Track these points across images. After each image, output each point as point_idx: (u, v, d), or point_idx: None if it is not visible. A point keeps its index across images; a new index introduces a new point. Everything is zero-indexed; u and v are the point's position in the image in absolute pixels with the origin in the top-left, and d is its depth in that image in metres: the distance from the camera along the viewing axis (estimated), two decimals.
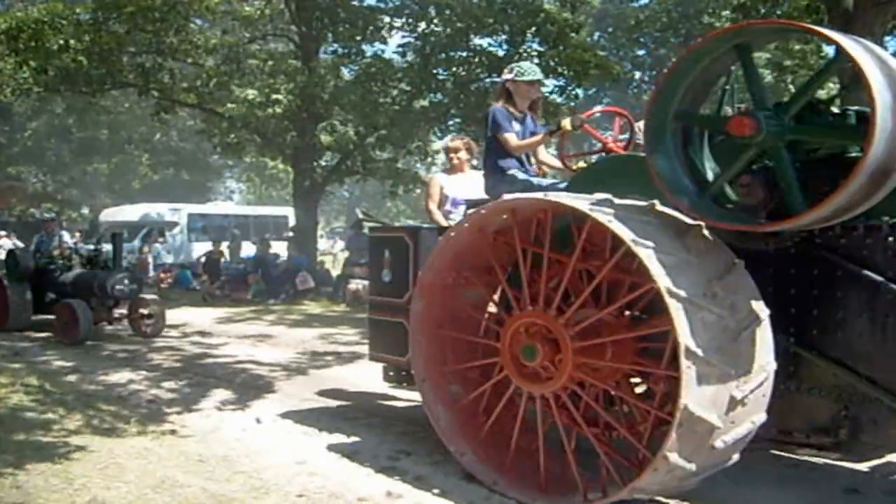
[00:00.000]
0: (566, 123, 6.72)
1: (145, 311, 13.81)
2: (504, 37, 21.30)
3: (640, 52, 41.38)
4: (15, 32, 17.20)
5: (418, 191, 49.26)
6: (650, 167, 5.16)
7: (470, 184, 8.13)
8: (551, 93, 21.90)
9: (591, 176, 6.32)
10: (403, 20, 22.55)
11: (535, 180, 7.06)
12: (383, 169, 23.54)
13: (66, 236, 17.87)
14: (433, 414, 6.34)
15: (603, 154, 6.98)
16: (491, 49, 21.87)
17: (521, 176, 7.02)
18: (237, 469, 6.35)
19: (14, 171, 35.92)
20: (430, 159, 31.04)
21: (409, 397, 9.15)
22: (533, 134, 7.25)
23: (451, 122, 23.12)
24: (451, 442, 6.23)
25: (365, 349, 12.43)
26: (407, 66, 22.17)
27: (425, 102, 22.89)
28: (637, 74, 42.59)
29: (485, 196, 7.03)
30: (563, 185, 6.71)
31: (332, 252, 40.30)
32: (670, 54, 34.03)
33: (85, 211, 40.78)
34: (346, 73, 22.63)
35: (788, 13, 16.61)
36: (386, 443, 7.18)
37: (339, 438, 7.37)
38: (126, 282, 13.50)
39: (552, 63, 20.47)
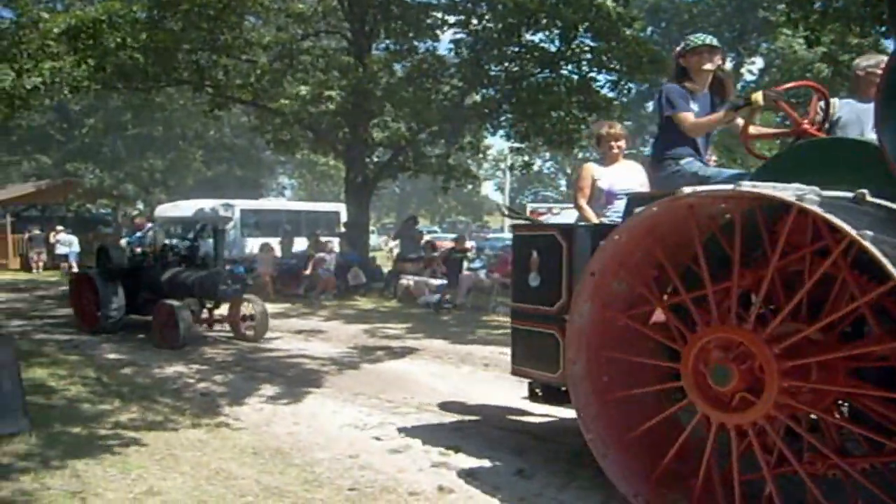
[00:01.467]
0: (757, 97, 5.75)
1: (247, 313, 13.00)
2: (556, 32, 21.14)
3: None
4: (74, 32, 17.46)
5: (469, 186, 49.35)
6: (885, 146, 4.32)
7: (628, 175, 7.33)
8: (602, 87, 21.77)
9: (787, 163, 5.36)
10: (455, 16, 22.51)
11: (712, 171, 6.33)
12: (435, 165, 23.55)
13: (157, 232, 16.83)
14: (597, 449, 5.45)
15: (795, 138, 5.87)
16: (543, 45, 21.74)
17: (696, 166, 6.31)
18: (290, 462, 6.41)
19: (71, 168, 36.52)
20: (481, 155, 31.00)
21: (468, 397, 9.19)
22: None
23: (502, 119, 23.04)
24: (621, 482, 5.34)
25: (416, 343, 12.69)
26: (459, 62, 22.15)
27: (477, 98, 22.87)
28: None
29: (647, 189, 6.51)
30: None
31: (384, 248, 40.44)
32: (724, 49, 33.54)
33: (140, 206, 41.40)
34: (398, 70, 22.70)
35: (845, 7, 16.32)
36: (437, 438, 7.19)
37: (390, 433, 7.40)
38: (230, 281, 12.71)
39: (604, 58, 20.35)
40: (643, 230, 5.07)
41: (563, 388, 5.94)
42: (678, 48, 6.63)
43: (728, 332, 4.72)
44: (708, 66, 6.45)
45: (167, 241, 15.54)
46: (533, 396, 6.90)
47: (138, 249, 14.39)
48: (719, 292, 4.79)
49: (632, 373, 5.49)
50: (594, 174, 7.33)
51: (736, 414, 4.70)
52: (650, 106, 42.21)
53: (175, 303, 12.16)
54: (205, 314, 13.08)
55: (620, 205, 6.65)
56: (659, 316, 5.40)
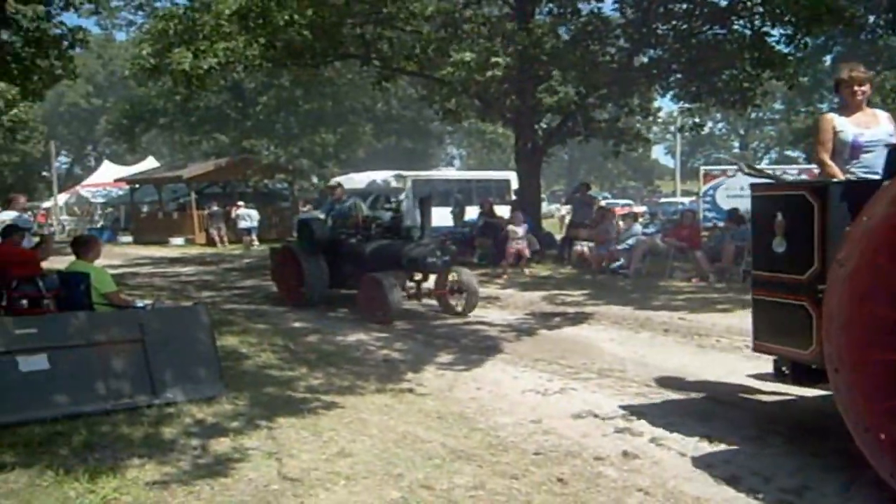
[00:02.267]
0: None
1: (456, 285, 12.55)
2: None
3: None
4: (244, 12, 18.06)
5: (639, 151, 48.45)
6: None
7: (874, 124, 6.47)
8: (777, 42, 20.79)
9: None
10: None
11: None
12: (605, 129, 23.18)
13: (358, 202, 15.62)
14: (860, 437, 4.68)
15: None
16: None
17: None
18: (474, 426, 6.46)
19: (248, 145, 37.88)
20: (650, 118, 30.31)
21: (649, 363, 9.05)
22: None
23: (671, 79, 22.41)
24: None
25: (593, 309, 12.58)
26: (624, 21, 21.64)
27: (645, 59, 22.34)
28: (871, 18, 39.73)
29: None
30: None
31: (554, 215, 40.22)
32: None
33: (314, 180, 42.58)
34: (563, 33, 22.38)
35: None
36: (620, 403, 7.11)
37: (572, 398, 7.37)
38: (438, 252, 11.96)
39: (778, 11, 19.40)
40: None
41: (815, 367, 5.45)
42: None
43: None
44: None
45: (368, 213, 14.99)
46: (780, 375, 6.40)
47: (339, 221, 14.00)
48: None
49: None
50: (835, 125, 6.45)
51: None
52: (828, 60, 40.27)
53: (382, 276, 11.77)
54: (411, 287, 12.62)
55: (869, 158, 6.20)
56: None
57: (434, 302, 13.02)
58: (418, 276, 12.48)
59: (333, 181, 17.59)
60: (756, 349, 6.26)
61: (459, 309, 12.40)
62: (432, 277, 12.79)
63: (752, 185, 6.63)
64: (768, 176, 7.81)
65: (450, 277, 12.58)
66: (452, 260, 12.52)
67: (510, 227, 17.75)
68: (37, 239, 12.75)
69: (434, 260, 11.84)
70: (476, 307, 12.46)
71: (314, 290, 13.08)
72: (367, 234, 13.37)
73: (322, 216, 14.94)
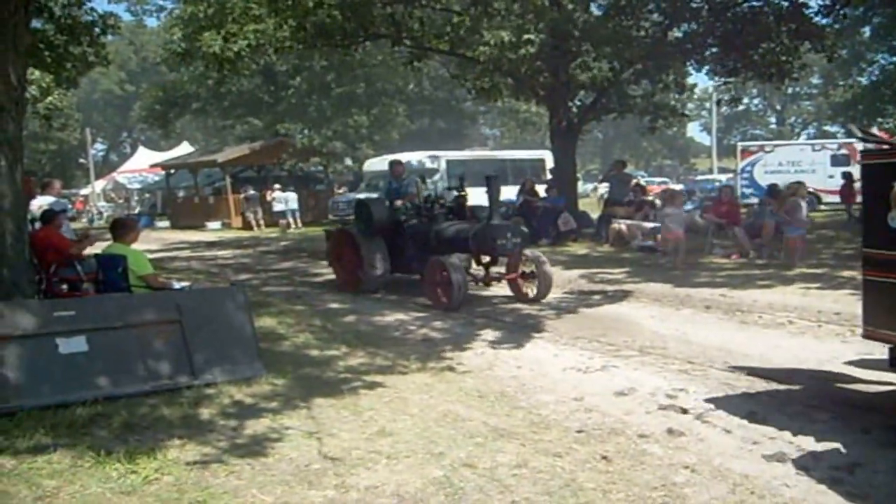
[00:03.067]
0: None
1: (527, 270, 11.70)
2: None
3: None
4: None
5: (674, 129, 47.93)
6: None
7: None
8: (816, 14, 20.42)
9: None
10: None
11: None
12: (640, 104, 22.94)
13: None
14: None
15: None
16: None
17: None
18: (516, 405, 6.40)
19: (282, 129, 37.93)
20: (685, 94, 29.93)
21: (690, 339, 8.95)
22: None
23: (707, 53, 22.08)
24: None
25: (633, 286, 12.46)
26: None
27: (679, 33, 22.02)
28: None
29: None
30: None
31: (591, 195, 39.99)
32: None
33: (349, 162, 42.62)
34: (595, 9, 22.10)
35: None
36: (662, 380, 7.04)
37: (614, 376, 7.29)
38: (509, 234, 11.00)
39: None
40: None
41: None
42: None
43: None
44: None
45: (431, 193, 14.17)
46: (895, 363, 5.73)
47: (398, 202, 13.12)
48: None
49: None
50: None
51: None
52: (867, 32, 39.55)
53: (449, 259, 11.08)
54: (476, 270, 12.24)
55: None
56: None
57: (485, 288, 12.47)
58: (486, 260, 11.91)
59: (393, 158, 16.13)
60: (867, 336, 5.83)
61: (531, 294, 11.58)
62: (502, 261, 12.11)
63: (864, 152, 6.15)
64: (883, 142, 6.86)
65: (521, 262, 11.74)
66: (524, 242, 11.54)
67: (666, 209, 15.94)
68: (76, 225, 12.82)
69: (504, 242, 10.93)
70: (549, 293, 11.58)
71: (374, 276, 12.42)
72: (431, 215, 12.47)
73: (381, 196, 14.41)
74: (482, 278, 11.95)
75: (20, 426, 5.73)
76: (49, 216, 10.63)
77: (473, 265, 12.48)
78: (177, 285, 9.18)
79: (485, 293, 12.30)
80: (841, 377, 6.93)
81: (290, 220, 31.36)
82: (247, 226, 31.77)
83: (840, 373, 7.08)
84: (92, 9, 20.12)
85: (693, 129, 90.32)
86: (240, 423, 5.89)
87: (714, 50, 21.62)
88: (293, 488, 4.76)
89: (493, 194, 11.38)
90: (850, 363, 7.42)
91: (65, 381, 6.30)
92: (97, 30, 19.80)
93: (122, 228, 9.00)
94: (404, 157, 32.58)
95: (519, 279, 11.77)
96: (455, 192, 13.01)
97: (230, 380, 6.85)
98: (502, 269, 12.16)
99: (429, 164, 30.84)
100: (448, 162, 31.01)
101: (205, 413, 6.16)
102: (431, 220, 12.35)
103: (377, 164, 33.75)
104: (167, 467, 5.05)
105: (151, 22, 70.39)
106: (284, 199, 31.25)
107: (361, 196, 29.82)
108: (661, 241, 15.89)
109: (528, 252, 11.70)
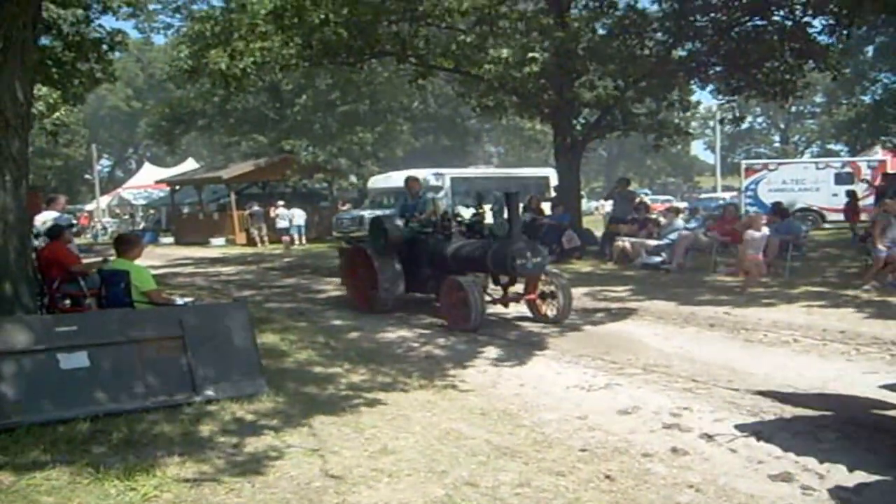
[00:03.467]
0: None
1: (547, 290, 11.19)
2: None
3: None
4: (280, 11, 18.13)
5: (678, 147, 47.95)
6: None
7: None
8: (820, 33, 20.43)
9: None
10: None
11: None
12: (644, 122, 22.95)
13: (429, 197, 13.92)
14: None
15: None
16: None
17: None
18: (518, 423, 6.36)
19: (287, 145, 38.01)
20: (689, 112, 29.96)
21: (695, 357, 8.91)
22: None
23: (710, 72, 22.12)
24: None
25: (637, 304, 12.42)
26: (662, 15, 21.38)
27: (684, 52, 22.06)
28: None
29: None
30: None
31: (595, 213, 39.95)
32: None
33: (353, 179, 42.67)
34: (599, 28, 22.15)
35: None
36: (667, 399, 6.98)
37: (617, 394, 7.24)
38: (529, 254, 10.52)
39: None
40: None
41: None
42: None
43: None
44: None
45: (446, 209, 13.54)
46: None
47: (414, 219, 12.82)
48: None
49: None
50: None
51: None
52: (870, 51, 39.60)
53: (466, 279, 10.71)
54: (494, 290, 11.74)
55: None
56: None
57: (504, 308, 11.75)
58: (505, 280, 11.44)
59: (410, 175, 16.26)
60: None
61: (551, 315, 11.12)
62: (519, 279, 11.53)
63: None
64: None
65: (540, 281, 11.21)
66: (545, 262, 11.01)
67: (748, 232, 15.07)
68: (79, 241, 12.84)
69: (523, 262, 10.44)
70: (570, 313, 11.14)
71: (389, 294, 12.02)
72: (447, 233, 12.07)
73: (395, 212, 14.09)
74: (500, 298, 11.46)
75: (19, 442, 5.71)
76: (56, 231, 10.67)
77: (490, 284, 12.10)
78: (179, 301, 9.19)
79: (494, 310, 11.64)
80: (846, 396, 6.89)
81: (296, 236, 31.42)
82: (251, 242, 31.85)
83: (845, 392, 7.03)
84: (100, 26, 20.30)
85: (697, 148, 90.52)
86: (241, 441, 5.85)
87: (718, 68, 21.66)
88: None
89: (512, 212, 10.88)
90: (855, 381, 7.38)
91: (65, 397, 6.27)
92: (105, 46, 19.92)
93: (125, 244, 9.00)
94: (408, 174, 32.65)
95: (538, 299, 11.29)
96: (473, 210, 12.78)
97: (232, 396, 6.81)
98: (519, 289, 11.57)
99: (433, 182, 30.86)
100: (452, 179, 31.02)
101: (205, 430, 6.12)
102: (448, 238, 11.98)
103: (381, 181, 33.82)
104: (166, 484, 5.00)
105: (159, 39, 70.71)
106: (288, 216, 31.29)
107: (367, 212, 29.99)
108: (739, 263, 15.41)
109: (549, 271, 11.26)
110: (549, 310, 11.19)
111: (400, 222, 12.64)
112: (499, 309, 11.69)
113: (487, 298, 11.08)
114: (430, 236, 12.31)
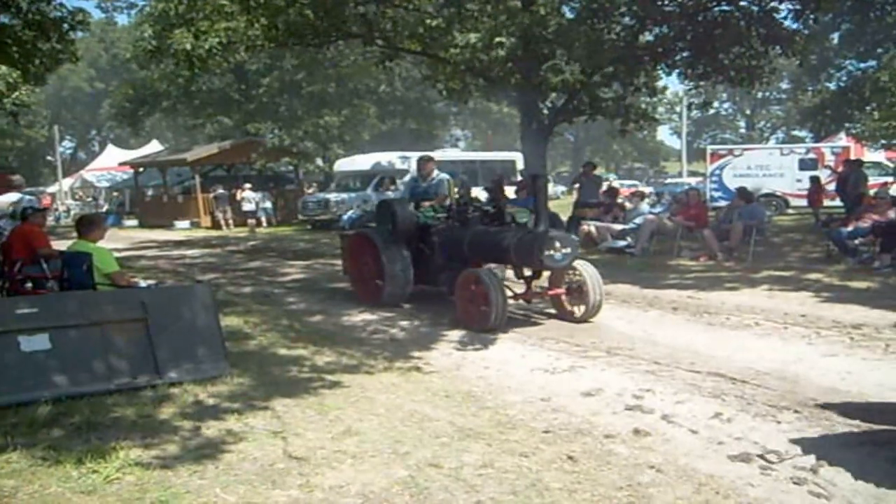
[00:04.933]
0: None
1: (574, 284, 10.04)
2: None
3: None
4: None
5: (644, 132, 48.10)
6: None
7: None
8: (785, 18, 20.56)
9: None
10: None
11: None
12: (611, 107, 22.97)
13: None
14: None
15: None
16: None
17: None
18: (482, 405, 6.39)
19: (252, 128, 37.71)
20: (656, 98, 30.03)
21: (659, 340, 8.97)
22: None
23: (677, 57, 22.15)
24: None
25: (608, 288, 12.38)
26: None
27: (651, 37, 22.07)
28: None
29: None
30: None
31: (559, 196, 40.04)
32: None
33: (319, 162, 42.48)
34: (567, 12, 22.11)
35: None
36: (629, 381, 7.04)
37: (581, 376, 7.29)
38: (558, 244, 9.24)
39: None
40: None
41: None
42: None
43: None
44: None
45: (460, 195, 12.11)
46: None
47: (426, 204, 11.67)
48: None
49: None
50: None
51: None
52: (835, 38, 39.87)
53: (486, 272, 9.65)
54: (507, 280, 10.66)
55: None
56: None
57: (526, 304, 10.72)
58: (528, 273, 10.25)
59: (424, 154, 15.15)
60: None
61: (578, 313, 10.00)
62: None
63: None
64: None
65: (567, 274, 10.12)
66: (575, 253, 9.63)
67: None
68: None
69: (552, 253, 9.18)
70: (600, 311, 9.98)
71: (397, 288, 10.90)
72: (463, 220, 10.84)
73: (404, 196, 13.03)
74: (522, 294, 10.26)
75: None
76: (30, 213, 10.60)
77: (511, 275, 10.92)
78: (142, 284, 9.11)
79: (527, 310, 10.75)
80: (806, 378, 6.97)
81: (264, 219, 31.30)
82: (216, 225, 31.59)
83: (805, 374, 7.11)
84: (61, 4, 19.99)
85: (664, 133, 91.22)
86: (204, 423, 5.83)
87: (685, 54, 21.67)
88: (257, 488, 4.72)
89: (539, 197, 9.89)
90: (815, 363, 7.48)
91: (26, 380, 6.23)
92: (66, 26, 19.68)
93: (87, 225, 8.90)
94: (374, 157, 32.54)
95: (563, 295, 10.16)
96: (491, 194, 11.69)
97: (195, 379, 6.79)
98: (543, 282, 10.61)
99: (399, 165, 30.79)
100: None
101: (168, 412, 6.10)
102: (464, 226, 10.73)
103: (348, 164, 33.67)
104: (129, 467, 4.98)
105: (122, 19, 70.01)
106: (253, 199, 31.12)
107: (333, 196, 29.87)
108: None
109: (577, 264, 9.93)
110: (577, 307, 10.03)
111: (411, 208, 11.44)
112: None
113: (509, 293, 9.86)
114: (445, 223, 11.16)
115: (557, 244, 9.21)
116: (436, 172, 12.51)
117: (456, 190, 12.17)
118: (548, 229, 9.45)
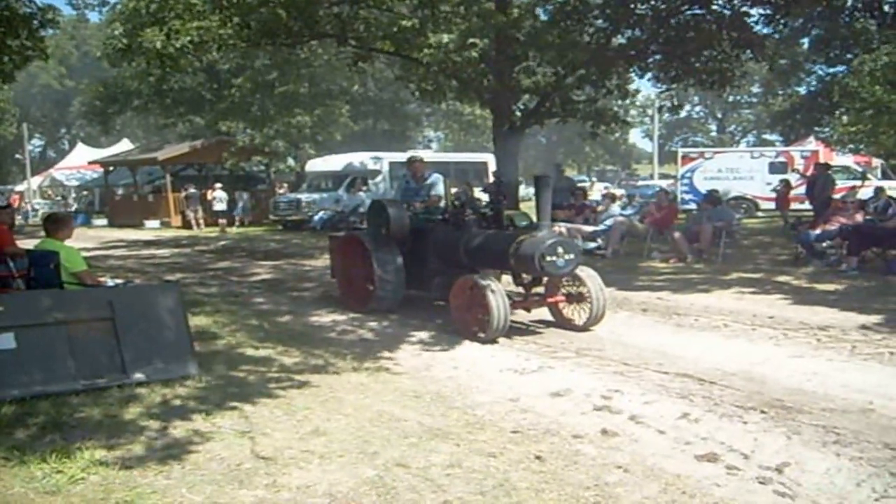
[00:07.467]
0: None
1: (575, 291, 9.64)
2: None
3: None
4: None
5: (616, 134, 48.25)
6: None
7: None
8: (756, 23, 20.72)
9: None
10: None
11: None
12: (583, 110, 23.04)
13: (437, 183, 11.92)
14: None
15: None
16: None
17: None
18: (451, 405, 6.39)
19: (224, 127, 37.52)
20: (628, 101, 30.15)
21: (627, 342, 8.99)
22: None
23: (650, 60, 22.26)
24: None
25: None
26: (603, 2, 21.45)
27: (623, 40, 22.18)
28: (849, 1, 39.67)
29: None
30: None
31: (531, 198, 40.03)
32: None
33: (291, 162, 42.32)
34: (541, 14, 22.17)
35: None
36: (598, 382, 7.05)
37: (550, 377, 7.30)
38: (560, 250, 8.77)
39: None
40: None
41: None
42: None
43: None
44: None
45: (456, 197, 11.28)
46: None
47: (417, 205, 11.30)
48: None
49: None
50: None
51: None
52: (805, 43, 40.21)
53: (485, 279, 9.05)
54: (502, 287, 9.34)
55: None
56: None
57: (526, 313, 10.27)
58: (528, 279, 9.71)
59: (413, 154, 14.57)
60: None
61: (579, 321, 9.56)
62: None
63: None
64: None
65: (565, 281, 9.78)
66: (578, 260, 9.11)
67: None
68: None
69: (554, 259, 8.71)
70: (603, 319, 9.51)
71: (388, 293, 10.38)
72: (461, 223, 10.27)
73: (395, 197, 12.56)
74: (521, 301, 9.78)
75: None
76: None
77: (510, 283, 10.43)
78: (110, 283, 9.03)
79: (527, 319, 10.25)
80: (772, 379, 7.02)
81: (238, 219, 31.22)
82: (186, 225, 31.44)
83: (772, 375, 7.17)
84: (31, 1, 19.79)
85: (635, 136, 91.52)
86: (170, 423, 5.80)
87: (657, 57, 21.80)
88: (223, 488, 4.69)
89: (542, 199, 9.22)
90: (782, 364, 7.54)
91: None
92: (36, 23, 19.48)
93: (55, 224, 8.83)
94: (346, 158, 32.48)
95: (562, 303, 9.83)
96: (490, 195, 11.13)
97: (162, 379, 6.75)
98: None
99: (371, 166, 30.76)
100: (391, 163, 30.91)
101: (134, 412, 6.06)
102: (460, 228, 10.19)
103: (320, 164, 33.61)
104: (94, 467, 4.95)
105: (93, 17, 69.39)
106: (225, 199, 30.99)
107: (304, 196, 29.77)
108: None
109: (581, 269, 9.43)
110: (577, 315, 9.60)
111: (405, 209, 10.88)
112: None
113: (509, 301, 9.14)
114: (440, 225, 10.62)
115: (560, 250, 8.77)
116: (427, 172, 12.15)
117: (455, 190, 11.93)
118: (550, 234, 9.03)
